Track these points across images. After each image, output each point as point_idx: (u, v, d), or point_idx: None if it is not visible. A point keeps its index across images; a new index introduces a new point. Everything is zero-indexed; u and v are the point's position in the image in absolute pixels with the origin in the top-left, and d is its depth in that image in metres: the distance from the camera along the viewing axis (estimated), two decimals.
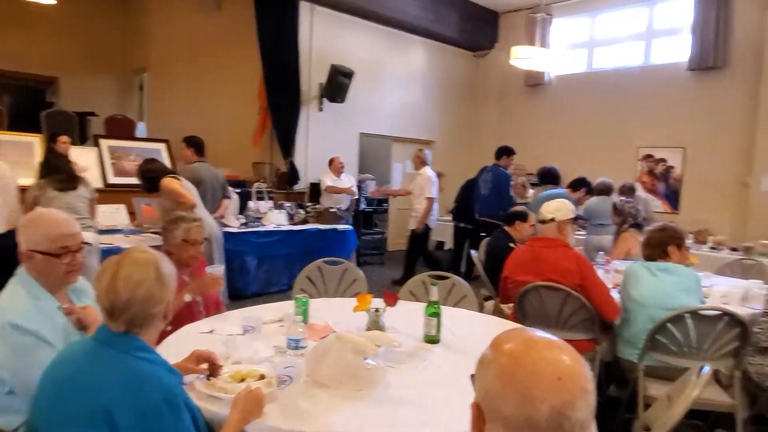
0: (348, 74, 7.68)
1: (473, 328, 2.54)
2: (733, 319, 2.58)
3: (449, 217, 7.95)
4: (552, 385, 0.81)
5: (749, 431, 2.92)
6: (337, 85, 7.66)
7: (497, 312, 3.78)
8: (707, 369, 1.74)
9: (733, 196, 7.20)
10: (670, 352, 2.68)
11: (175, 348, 1.94)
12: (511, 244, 3.83)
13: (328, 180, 6.98)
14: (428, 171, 6.74)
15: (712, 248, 5.74)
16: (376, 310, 2.17)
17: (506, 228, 4.05)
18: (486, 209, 6.22)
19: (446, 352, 2.16)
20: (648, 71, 8.10)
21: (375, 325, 2.16)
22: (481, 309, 4.37)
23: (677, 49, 7.77)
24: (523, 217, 3.98)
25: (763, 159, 6.74)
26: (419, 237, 6.74)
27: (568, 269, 2.91)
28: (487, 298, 4.09)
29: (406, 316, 2.42)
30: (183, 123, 7.92)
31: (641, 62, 8.26)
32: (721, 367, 2.76)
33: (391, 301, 2.17)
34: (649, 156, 8.01)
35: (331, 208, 6.70)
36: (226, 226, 5.73)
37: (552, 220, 3.12)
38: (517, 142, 9.00)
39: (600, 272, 3.85)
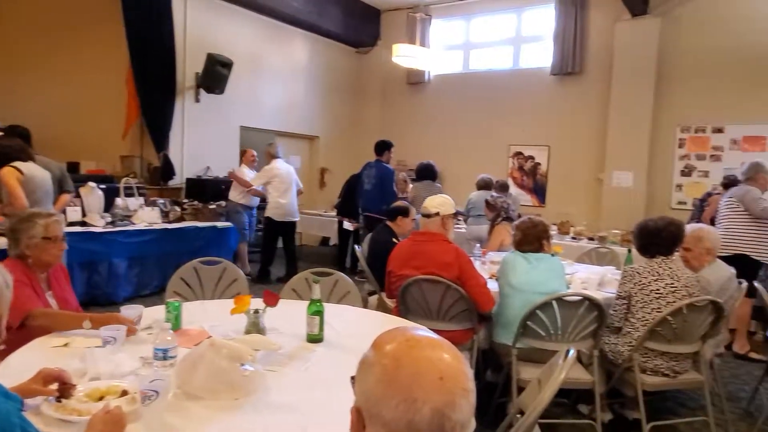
0: (227, 64, 7.33)
1: (357, 325, 2.52)
2: (591, 303, 2.82)
3: (334, 213, 7.92)
4: (434, 386, 0.79)
5: (606, 404, 3.24)
6: (214, 75, 7.28)
7: (381, 307, 3.82)
8: (572, 353, 1.86)
9: (590, 190, 7.95)
10: (539, 336, 2.87)
11: (19, 367, 1.70)
12: (394, 239, 3.88)
13: (249, 174, 6.73)
14: (276, 164, 6.54)
15: (573, 238, 6.28)
16: (256, 312, 2.07)
17: (388, 223, 4.09)
18: (370, 204, 6.28)
19: (330, 351, 2.11)
20: (517, 74, 8.68)
21: (254, 327, 2.06)
22: (365, 304, 4.40)
23: (542, 54, 8.41)
24: (404, 212, 4.05)
25: (613, 157, 7.52)
26: (266, 230, 6.62)
27: (447, 263, 3.00)
28: (371, 293, 4.11)
29: (288, 315, 2.34)
30: (35, 109, 7.07)
31: (511, 66, 8.83)
32: (583, 348, 3.01)
33: (271, 301, 2.07)
34: (519, 153, 8.60)
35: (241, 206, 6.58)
36: (88, 225, 5.21)
37: (437, 214, 3.20)
38: (400, 138, 9.21)
39: (477, 264, 4.05)
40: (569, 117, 8.14)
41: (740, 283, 3.28)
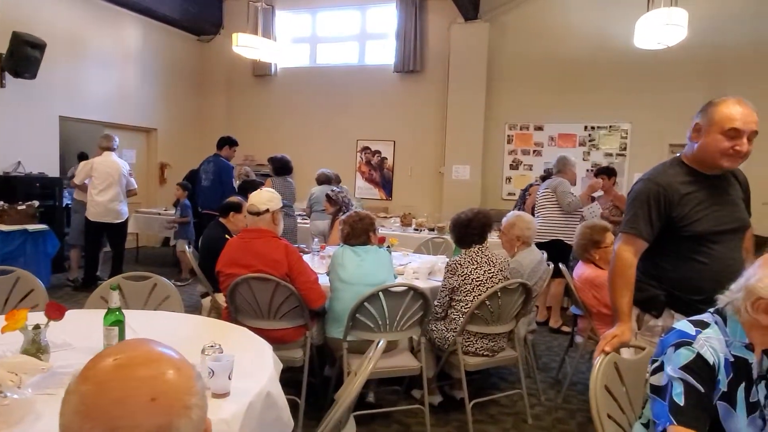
0: (38, 45, 6.46)
1: (170, 333, 2.33)
2: (416, 293, 2.92)
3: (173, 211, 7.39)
4: (143, 409, 0.69)
5: (436, 387, 3.40)
6: (23, 58, 6.37)
7: (215, 309, 3.62)
8: (382, 343, 1.88)
9: (433, 183, 8.37)
10: (368, 328, 2.91)
11: None
12: (227, 236, 3.70)
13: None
14: (98, 158, 5.98)
15: (416, 230, 6.55)
16: (36, 327, 1.80)
17: (221, 219, 3.89)
18: (208, 201, 5.95)
19: None
20: (363, 70, 8.83)
21: (34, 345, 1.79)
22: (200, 307, 4.15)
23: (386, 52, 8.64)
24: (237, 208, 3.88)
25: (452, 152, 7.99)
26: (85, 231, 6.05)
27: (276, 260, 2.91)
28: (204, 295, 3.88)
29: (88, 328, 2.08)
30: None
31: (357, 61, 8.95)
32: (412, 336, 3.12)
33: (55, 314, 1.82)
34: (366, 148, 8.77)
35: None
36: None
37: (267, 211, 3.08)
38: (247, 132, 8.89)
39: (315, 259, 4.02)
40: (413, 113, 8.47)
41: (548, 265, 3.64)
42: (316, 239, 4.60)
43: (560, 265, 3.70)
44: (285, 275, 2.91)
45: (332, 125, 8.90)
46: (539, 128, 7.68)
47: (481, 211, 3.25)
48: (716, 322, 1.53)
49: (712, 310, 1.58)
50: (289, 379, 2.84)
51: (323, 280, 3.17)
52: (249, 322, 2.89)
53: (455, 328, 3.07)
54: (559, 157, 5.12)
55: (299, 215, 6.55)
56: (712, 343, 1.47)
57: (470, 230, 3.18)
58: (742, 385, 1.48)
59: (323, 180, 6.30)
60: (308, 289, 2.92)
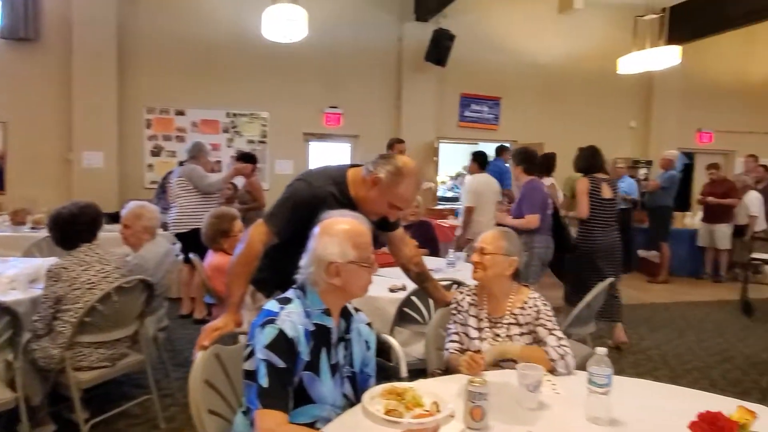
0: None
1: None
2: (1, 309, 2.36)
3: None
4: None
5: (47, 413, 2.85)
6: None
7: None
8: None
9: (59, 172, 7.14)
10: None
11: None
12: None
13: None
14: None
15: (33, 228, 5.46)
16: None
17: None
18: None
19: None
20: None
21: None
22: None
23: None
24: None
25: (82, 137, 6.96)
26: None
27: None
28: None
29: None
30: None
31: None
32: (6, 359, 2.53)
33: None
34: None
35: None
36: None
37: None
38: None
39: None
40: (28, 89, 7.02)
41: (178, 256, 3.47)
42: None
43: (190, 255, 3.58)
44: None
45: None
46: (181, 113, 7.36)
47: (89, 204, 2.85)
48: (298, 297, 1.63)
49: (295, 285, 1.68)
50: None
51: None
52: None
53: (63, 343, 2.62)
54: (193, 143, 4.97)
55: None
56: (292, 318, 1.55)
57: (77, 227, 2.75)
58: (324, 350, 1.61)
59: None
60: None
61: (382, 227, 2.27)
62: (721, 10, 7.94)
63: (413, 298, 2.99)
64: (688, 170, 9.62)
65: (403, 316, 3.03)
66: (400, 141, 6.28)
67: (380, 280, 3.39)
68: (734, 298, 6.46)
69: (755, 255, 6.63)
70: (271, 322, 1.52)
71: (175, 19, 7.22)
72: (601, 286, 3.24)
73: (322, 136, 8.07)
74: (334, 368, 1.64)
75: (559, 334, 2.04)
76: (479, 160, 5.71)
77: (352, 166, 2.15)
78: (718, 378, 4.12)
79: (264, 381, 1.46)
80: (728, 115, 9.76)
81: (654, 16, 7.24)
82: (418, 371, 2.39)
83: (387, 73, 8.08)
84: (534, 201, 4.23)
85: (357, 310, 1.80)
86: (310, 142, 8.06)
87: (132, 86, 7.16)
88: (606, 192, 4.46)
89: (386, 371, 2.05)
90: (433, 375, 2.23)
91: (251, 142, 7.58)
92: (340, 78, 7.88)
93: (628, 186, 7.98)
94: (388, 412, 1.52)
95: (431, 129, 8.09)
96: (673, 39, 7.49)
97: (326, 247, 1.59)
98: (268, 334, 1.50)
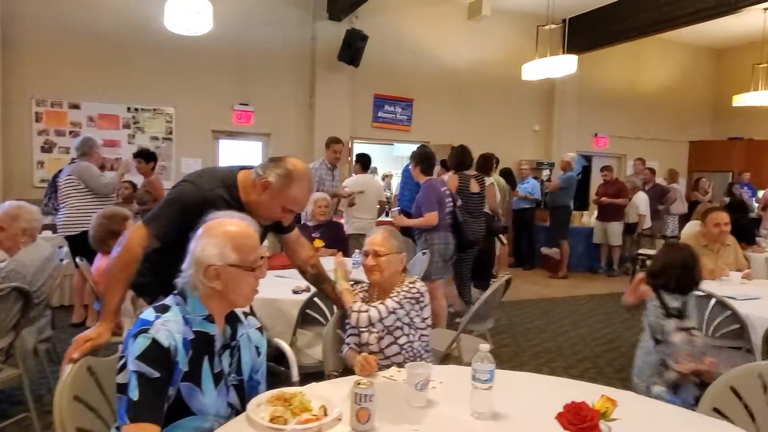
0: None
1: None
2: None
3: None
4: None
5: None
6: None
7: None
8: None
9: None
10: None
11: None
12: None
13: None
14: None
15: None
16: None
17: None
18: None
19: None
20: None
21: None
22: None
23: None
24: None
25: None
26: None
27: None
28: None
29: None
30: None
31: None
32: None
33: None
34: None
35: None
36: None
37: None
38: None
39: None
40: None
41: (62, 260, 3.23)
42: None
43: (77, 259, 3.34)
44: None
45: None
46: (75, 106, 6.84)
47: None
48: (177, 304, 1.54)
49: (175, 291, 1.59)
50: None
51: None
52: None
53: None
54: (82, 138, 4.63)
55: None
56: (169, 326, 1.46)
57: None
58: (206, 358, 1.54)
59: None
60: None
61: (277, 230, 2.22)
62: (610, 25, 8.61)
63: (316, 299, 2.96)
64: (586, 172, 10.28)
65: (306, 318, 2.99)
66: (338, 141, 6.05)
67: (283, 281, 3.34)
68: (624, 290, 6.97)
69: (641, 251, 7.21)
70: (144, 331, 1.43)
71: (67, 4, 6.70)
72: (497, 284, 3.37)
73: (232, 134, 7.82)
74: (218, 377, 1.57)
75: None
76: (362, 161, 6.49)
77: (242, 168, 2.07)
78: (605, 366, 4.43)
79: (134, 393, 1.37)
80: (621, 121, 10.53)
81: (554, 26, 7.64)
82: (319, 373, 2.38)
83: (300, 71, 7.97)
84: (431, 199, 4.36)
85: (247, 314, 1.75)
86: (219, 140, 7.78)
87: (17, 76, 6.55)
88: (474, 187, 5.07)
89: (278, 376, 2.01)
90: (329, 377, 2.22)
91: (155, 138, 7.20)
92: (251, 74, 7.67)
93: (531, 186, 8.41)
94: (273, 419, 1.49)
95: (346, 129, 8.06)
96: (571, 49, 7.96)
97: (205, 248, 1.52)
98: (140, 344, 1.41)
